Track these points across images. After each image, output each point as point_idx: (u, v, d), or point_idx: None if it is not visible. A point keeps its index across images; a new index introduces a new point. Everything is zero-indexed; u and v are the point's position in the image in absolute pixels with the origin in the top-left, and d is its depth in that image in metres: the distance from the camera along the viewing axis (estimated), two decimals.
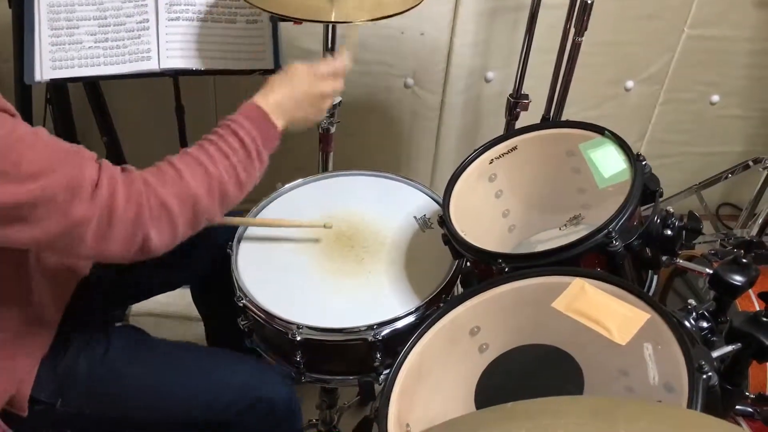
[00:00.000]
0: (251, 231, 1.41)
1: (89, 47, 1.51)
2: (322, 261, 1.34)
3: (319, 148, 1.71)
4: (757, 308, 1.24)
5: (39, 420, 1.14)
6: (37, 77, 1.49)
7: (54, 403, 1.13)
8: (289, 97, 1.13)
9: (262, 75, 1.62)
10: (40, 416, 1.13)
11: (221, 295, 1.37)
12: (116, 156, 2.01)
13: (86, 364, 1.15)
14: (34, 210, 0.88)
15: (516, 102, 1.87)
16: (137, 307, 2.01)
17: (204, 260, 1.43)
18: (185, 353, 1.26)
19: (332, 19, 1.36)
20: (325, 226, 1.38)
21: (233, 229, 1.38)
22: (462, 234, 1.18)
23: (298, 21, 1.43)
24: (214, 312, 1.60)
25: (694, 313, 0.97)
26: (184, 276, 1.49)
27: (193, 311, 1.66)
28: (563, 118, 1.93)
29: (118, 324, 1.31)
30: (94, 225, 0.92)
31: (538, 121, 1.90)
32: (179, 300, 1.65)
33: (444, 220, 1.22)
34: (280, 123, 1.11)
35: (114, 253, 0.96)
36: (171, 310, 1.99)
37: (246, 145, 1.05)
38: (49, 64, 1.50)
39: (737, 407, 1.01)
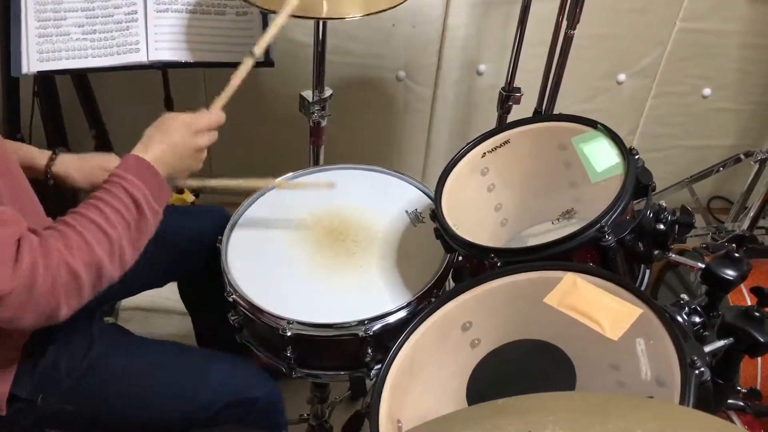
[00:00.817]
0: (241, 226, 1.40)
1: (77, 39, 1.50)
2: (313, 255, 1.33)
3: (310, 141, 1.70)
4: (749, 303, 1.24)
5: (19, 418, 1.13)
6: (24, 70, 1.47)
7: (34, 401, 1.12)
8: (168, 150, 1.11)
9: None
10: (20, 414, 1.12)
11: (209, 290, 1.36)
12: (105, 148, 2.00)
13: (68, 360, 1.15)
14: None
15: (508, 95, 1.86)
16: (126, 302, 2.00)
17: (193, 256, 1.42)
18: (165, 352, 1.25)
19: (324, 15, 1.35)
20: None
21: (222, 224, 1.38)
22: (454, 228, 1.18)
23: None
24: (201, 307, 1.59)
25: (686, 308, 0.97)
26: (173, 272, 1.48)
27: (183, 306, 1.65)
28: (555, 112, 1.93)
29: (105, 319, 1.30)
30: (13, 297, 0.91)
31: (531, 115, 1.89)
32: (169, 294, 1.63)
33: (436, 214, 1.21)
34: (162, 176, 1.10)
35: (27, 324, 0.95)
36: (160, 304, 1.98)
37: (138, 203, 1.04)
38: (36, 56, 1.48)
39: (729, 401, 1.01)
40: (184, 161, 1.14)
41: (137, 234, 1.04)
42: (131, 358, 1.21)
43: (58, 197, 1.31)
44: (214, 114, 1.20)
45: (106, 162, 1.30)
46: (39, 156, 1.26)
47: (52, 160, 1.26)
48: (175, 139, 1.12)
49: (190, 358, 1.26)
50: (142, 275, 1.38)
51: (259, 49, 1.25)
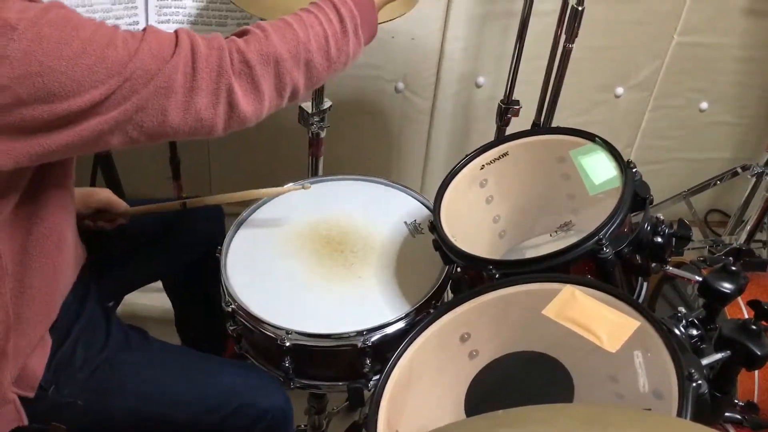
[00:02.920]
0: (240, 236, 1.40)
1: None
2: (312, 266, 1.34)
3: (309, 152, 1.71)
4: (746, 316, 1.24)
5: (30, 408, 1.11)
6: None
7: (47, 389, 1.11)
8: None
9: None
10: (31, 404, 1.11)
11: (198, 281, 1.37)
12: (105, 160, 2.00)
13: (84, 353, 1.14)
14: (124, 86, 0.89)
15: (507, 108, 1.87)
16: (123, 309, 1.99)
17: (189, 248, 1.45)
18: (179, 354, 1.26)
19: None
20: (303, 188, 1.41)
21: (218, 221, 1.40)
22: (452, 239, 1.18)
23: None
24: (188, 302, 1.60)
25: (683, 321, 0.97)
26: (172, 265, 1.49)
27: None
28: (554, 124, 1.93)
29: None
30: (180, 75, 0.91)
31: (529, 127, 1.90)
32: (165, 304, 1.64)
33: (435, 226, 1.21)
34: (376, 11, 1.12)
35: (203, 107, 0.94)
36: (156, 315, 1.98)
37: (343, 19, 1.04)
38: None
39: (726, 414, 1.02)
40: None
41: (335, 50, 1.03)
42: (145, 356, 1.21)
43: None
44: None
45: (88, 196, 1.32)
46: None
47: None
48: None
49: (203, 361, 1.26)
50: (144, 267, 1.42)
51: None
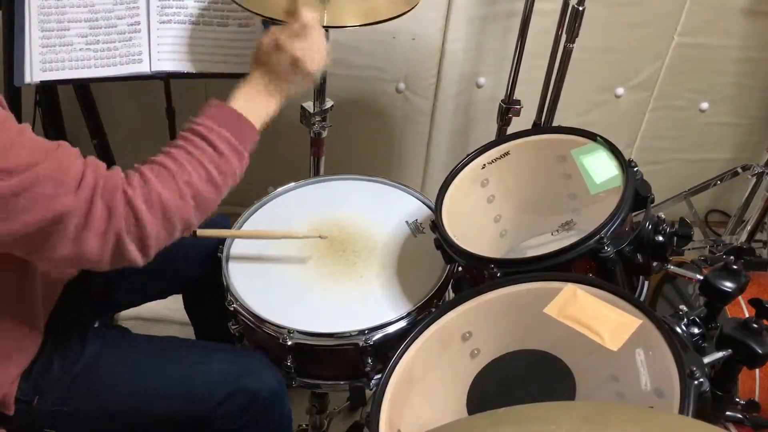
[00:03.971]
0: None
1: (80, 49, 1.51)
2: (314, 265, 1.34)
3: (311, 152, 1.71)
4: (747, 315, 1.24)
5: (18, 420, 1.12)
6: (27, 79, 1.48)
7: (30, 401, 1.12)
8: (258, 77, 1.11)
9: None
10: (18, 416, 1.12)
11: (212, 300, 1.36)
12: (106, 159, 2.00)
13: (60, 362, 1.15)
14: (17, 201, 0.87)
15: (508, 107, 1.87)
16: (126, 311, 1.99)
17: (195, 266, 1.42)
18: (162, 346, 1.24)
19: (324, 24, 1.36)
20: (320, 237, 1.37)
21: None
22: (454, 239, 1.18)
23: None
24: (205, 317, 1.59)
25: (685, 319, 0.97)
26: (174, 284, 1.47)
27: (184, 316, 1.65)
28: (554, 124, 1.94)
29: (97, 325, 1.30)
30: (76, 218, 0.91)
31: (530, 127, 1.90)
32: (170, 304, 1.63)
33: (436, 225, 1.21)
34: (273, 103, 1.11)
35: (91, 250, 0.93)
36: (160, 313, 1.98)
37: (215, 146, 1.02)
38: (39, 65, 1.49)
39: (727, 413, 1.02)
40: (282, 82, 1.12)
41: (218, 175, 1.02)
42: (127, 354, 1.20)
43: None
44: (299, 19, 1.12)
45: None
46: None
47: None
48: (263, 60, 1.11)
49: (188, 349, 1.25)
50: (144, 287, 1.39)
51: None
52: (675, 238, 1.10)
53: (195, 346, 1.28)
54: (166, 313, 1.97)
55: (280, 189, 1.51)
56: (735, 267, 0.96)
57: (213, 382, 1.19)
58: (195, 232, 1.35)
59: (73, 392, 1.15)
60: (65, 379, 1.14)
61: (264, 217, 1.45)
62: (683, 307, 0.99)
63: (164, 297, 1.51)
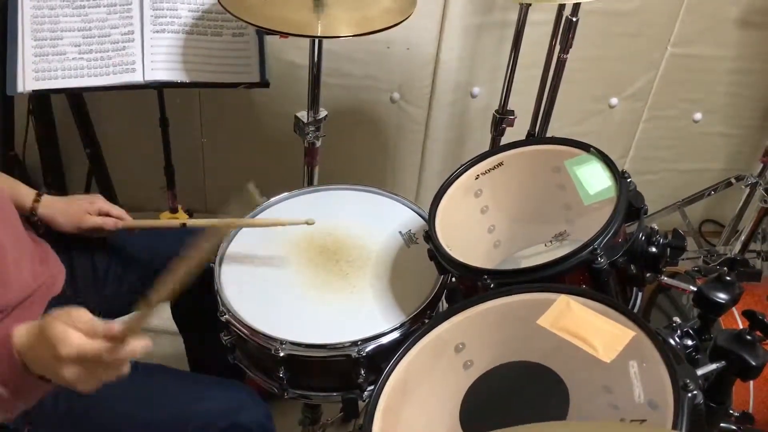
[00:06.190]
0: (234, 245, 1.39)
1: (73, 58, 1.50)
2: (306, 276, 1.33)
3: (304, 161, 1.71)
4: (741, 326, 1.24)
5: None
6: (20, 88, 1.48)
7: (21, 430, 1.11)
8: (40, 356, 0.87)
9: (246, 88, 1.62)
10: None
11: (201, 311, 1.35)
12: (99, 168, 2.00)
13: (53, 393, 1.12)
14: None
15: (502, 117, 1.87)
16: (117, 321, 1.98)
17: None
18: (156, 377, 1.23)
19: (318, 33, 1.36)
20: (307, 223, 1.38)
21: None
22: (447, 249, 1.18)
23: (284, 35, 1.43)
24: (194, 328, 1.58)
25: (678, 331, 0.97)
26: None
27: (174, 326, 1.64)
28: (548, 134, 1.94)
29: None
30: None
31: (524, 137, 1.91)
32: (159, 314, 1.62)
33: (430, 235, 1.21)
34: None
35: None
36: (152, 324, 1.96)
37: None
38: (32, 75, 1.48)
39: (721, 425, 1.01)
40: (50, 372, 0.87)
41: None
42: (120, 388, 1.18)
43: None
44: (90, 344, 0.84)
45: (90, 204, 1.32)
46: (26, 194, 1.28)
47: (36, 201, 1.27)
48: (38, 352, 0.86)
49: (182, 383, 1.24)
50: (130, 297, 1.38)
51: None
52: (668, 249, 1.10)
53: (189, 379, 1.26)
54: (156, 323, 1.95)
55: (273, 198, 1.50)
56: (729, 278, 0.96)
57: (207, 419, 1.17)
58: (184, 223, 1.35)
59: (66, 420, 1.13)
60: (57, 404, 1.13)
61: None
62: (677, 319, 0.98)
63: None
